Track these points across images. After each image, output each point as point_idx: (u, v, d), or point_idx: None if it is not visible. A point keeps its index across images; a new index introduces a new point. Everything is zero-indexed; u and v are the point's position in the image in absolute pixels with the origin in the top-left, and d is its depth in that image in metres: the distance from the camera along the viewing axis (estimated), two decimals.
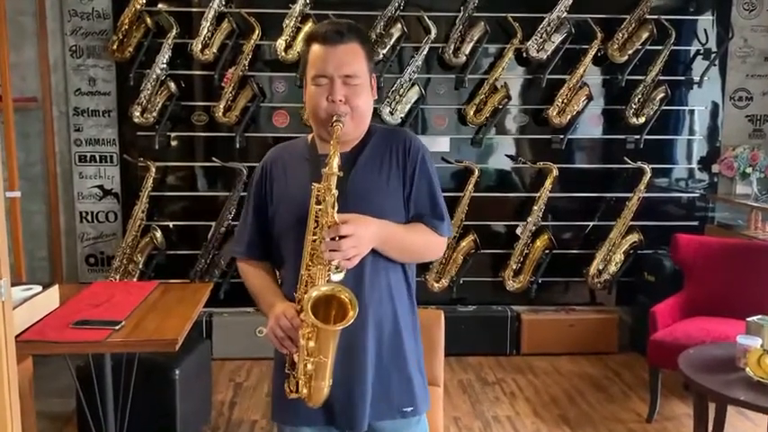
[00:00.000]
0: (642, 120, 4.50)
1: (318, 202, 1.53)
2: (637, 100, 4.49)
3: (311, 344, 1.50)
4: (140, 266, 4.37)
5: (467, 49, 4.40)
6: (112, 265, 4.39)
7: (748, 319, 2.98)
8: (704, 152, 4.74)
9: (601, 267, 4.56)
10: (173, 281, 3.63)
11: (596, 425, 3.55)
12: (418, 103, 4.44)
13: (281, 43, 4.28)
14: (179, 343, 2.29)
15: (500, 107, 4.45)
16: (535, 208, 4.49)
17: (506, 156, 4.63)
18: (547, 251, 4.54)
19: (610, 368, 4.32)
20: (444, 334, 2.60)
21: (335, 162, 1.52)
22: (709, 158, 4.73)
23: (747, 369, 2.69)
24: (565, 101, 4.44)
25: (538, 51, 4.42)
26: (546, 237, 4.53)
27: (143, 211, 4.33)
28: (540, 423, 3.58)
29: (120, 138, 4.45)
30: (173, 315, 2.51)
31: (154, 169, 4.33)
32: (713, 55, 4.60)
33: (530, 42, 4.40)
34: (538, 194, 4.49)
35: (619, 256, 4.54)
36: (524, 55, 4.45)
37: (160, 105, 4.32)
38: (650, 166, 4.48)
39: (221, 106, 4.33)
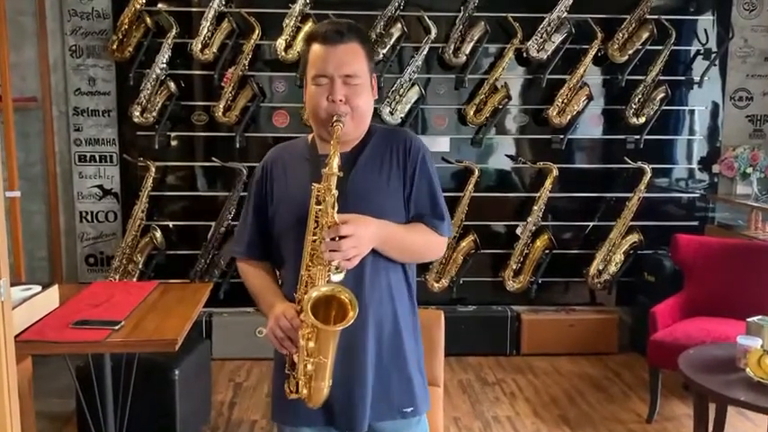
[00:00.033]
0: (642, 120, 4.50)
1: (318, 203, 1.52)
2: (637, 100, 4.48)
3: (311, 344, 1.50)
4: (140, 266, 4.37)
5: (467, 48, 4.39)
6: (112, 265, 4.38)
7: (748, 319, 2.97)
8: (704, 152, 4.74)
9: (601, 267, 4.56)
10: (172, 281, 3.63)
11: (596, 425, 3.55)
12: (418, 103, 4.44)
13: (280, 43, 4.28)
14: (179, 343, 2.29)
15: (500, 107, 4.45)
16: (535, 208, 4.49)
17: (506, 156, 4.63)
18: (547, 251, 4.54)
19: (610, 368, 4.32)
20: (444, 334, 2.59)
21: (335, 162, 1.52)
22: (710, 158, 4.73)
23: (747, 369, 2.69)
24: (565, 101, 4.44)
25: (538, 51, 4.41)
26: (546, 237, 4.52)
27: (143, 211, 4.33)
28: (540, 423, 3.58)
29: (119, 137, 4.45)
30: (172, 315, 2.50)
31: (154, 169, 4.33)
32: (713, 55, 4.60)
33: (530, 42, 4.40)
34: (538, 194, 4.49)
35: (619, 257, 4.54)
36: (524, 55, 4.45)
37: (160, 105, 4.32)
38: (650, 166, 4.48)
39: (221, 106, 4.32)
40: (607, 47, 4.43)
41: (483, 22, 4.35)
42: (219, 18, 4.30)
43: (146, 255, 4.38)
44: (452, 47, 4.39)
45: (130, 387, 2.79)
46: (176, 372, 3.01)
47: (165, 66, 4.29)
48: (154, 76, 4.27)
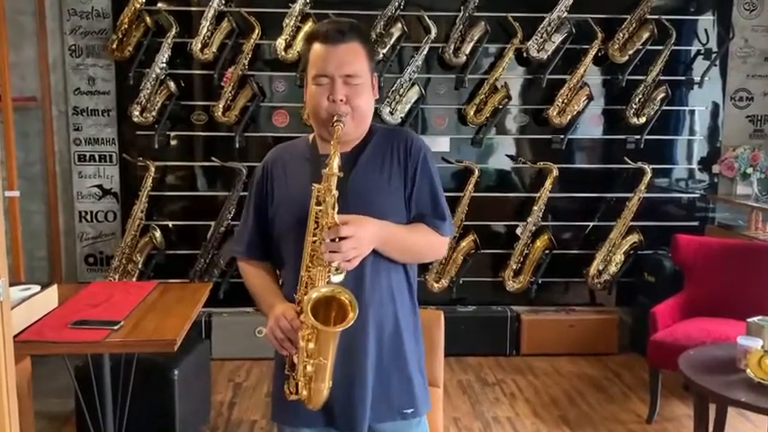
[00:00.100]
0: (643, 120, 4.50)
1: (318, 203, 1.52)
2: (637, 100, 4.48)
3: (311, 345, 1.49)
4: (139, 266, 4.36)
5: (467, 48, 4.39)
6: (111, 265, 4.38)
7: (749, 319, 2.97)
8: (705, 152, 4.74)
9: (601, 268, 4.56)
10: (172, 281, 3.62)
11: (596, 426, 3.55)
12: (418, 103, 4.43)
13: (280, 43, 4.28)
14: (178, 343, 2.28)
15: (500, 107, 4.45)
16: (535, 208, 4.49)
17: (506, 156, 4.63)
18: (547, 251, 4.53)
19: (610, 369, 4.32)
20: (444, 334, 2.59)
21: (336, 162, 1.51)
22: (710, 159, 4.73)
23: (748, 370, 2.68)
24: (565, 101, 4.44)
25: (538, 51, 4.41)
26: (546, 237, 4.52)
27: (142, 211, 4.32)
28: (539, 424, 3.57)
29: (119, 137, 4.45)
30: (172, 315, 2.50)
31: (153, 169, 4.32)
32: (714, 55, 4.60)
33: (530, 42, 4.39)
34: (538, 194, 4.49)
35: (619, 257, 4.54)
36: (525, 55, 4.45)
37: (159, 105, 4.31)
38: (650, 166, 4.48)
39: (221, 106, 4.32)
40: (607, 47, 4.43)
41: (483, 22, 4.35)
42: (219, 17, 4.30)
43: (145, 254, 4.38)
44: (452, 47, 4.39)
45: (129, 387, 2.78)
46: (176, 372, 3.01)
47: (164, 65, 4.28)
48: (153, 75, 4.27)
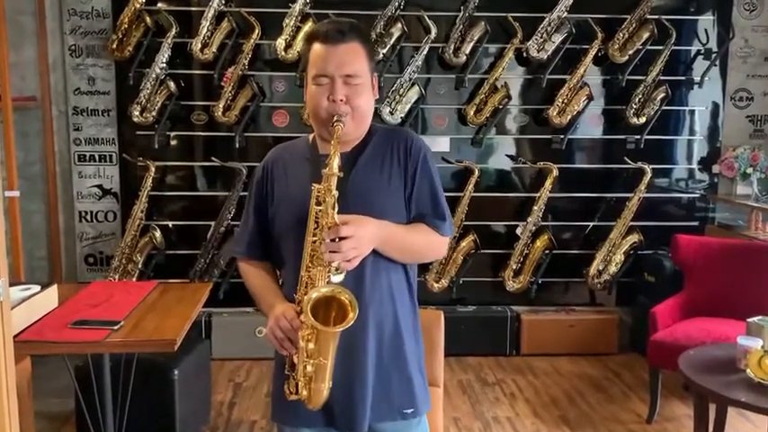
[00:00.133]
0: (643, 120, 4.50)
1: (318, 203, 1.52)
2: (637, 100, 4.48)
3: (311, 345, 1.49)
4: (139, 266, 4.36)
5: (467, 48, 4.39)
6: (111, 265, 4.38)
7: (749, 319, 2.97)
8: (705, 152, 4.74)
9: (601, 268, 4.56)
10: (172, 281, 3.62)
11: (596, 426, 3.55)
12: (418, 103, 4.43)
13: (280, 42, 4.28)
14: (178, 343, 2.28)
15: (500, 107, 4.45)
16: (535, 208, 4.49)
17: (506, 156, 4.63)
18: (547, 251, 4.53)
19: (610, 369, 4.32)
20: (444, 334, 2.59)
21: (336, 163, 1.51)
22: (710, 159, 4.73)
23: (748, 370, 2.68)
24: (565, 101, 4.44)
25: (538, 51, 4.41)
26: (546, 237, 4.52)
27: (142, 211, 4.32)
28: (539, 424, 3.57)
29: (119, 137, 4.45)
30: (172, 315, 2.50)
31: (153, 169, 4.32)
32: (714, 55, 4.60)
33: (530, 42, 4.39)
34: (538, 194, 4.49)
35: (619, 257, 4.54)
36: (525, 55, 4.45)
37: (159, 105, 4.31)
38: (650, 166, 4.48)
39: (221, 106, 4.32)
40: (607, 47, 4.43)
41: (483, 22, 4.35)
42: (219, 17, 4.30)
43: (145, 254, 4.38)
44: (452, 47, 4.38)
45: (130, 387, 2.78)
46: (176, 372, 3.01)
47: (164, 65, 4.28)
48: (153, 75, 4.27)
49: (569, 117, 4.44)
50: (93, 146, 4.44)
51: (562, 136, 4.53)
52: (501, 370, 4.31)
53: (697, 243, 3.94)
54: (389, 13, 4.31)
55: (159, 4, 4.34)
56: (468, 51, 4.39)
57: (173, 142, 4.50)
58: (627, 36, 4.43)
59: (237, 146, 4.41)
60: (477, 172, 4.46)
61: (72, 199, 4.47)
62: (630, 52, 4.43)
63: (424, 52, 4.36)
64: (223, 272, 4.45)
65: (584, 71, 4.43)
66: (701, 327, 3.52)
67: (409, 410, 1.69)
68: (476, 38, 4.38)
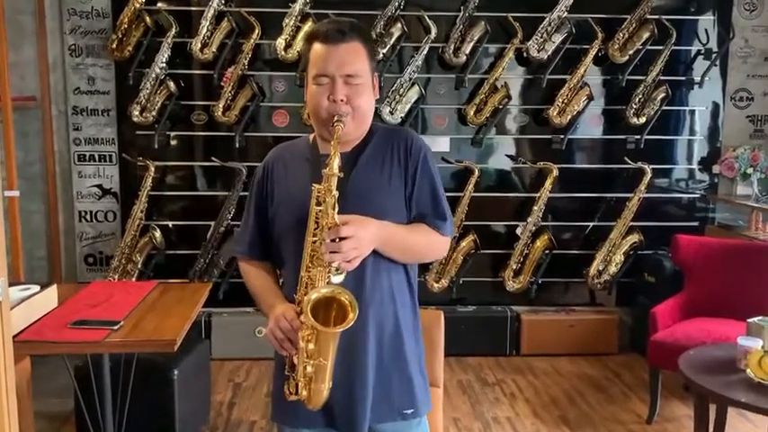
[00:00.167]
0: (643, 120, 4.50)
1: (319, 203, 1.51)
2: (637, 100, 4.48)
3: (311, 346, 1.49)
4: (139, 266, 4.36)
5: (467, 48, 4.39)
6: (111, 265, 4.38)
7: (749, 320, 2.97)
8: (705, 153, 4.73)
9: (601, 268, 4.56)
10: (172, 281, 3.62)
11: (596, 426, 3.55)
12: (418, 103, 4.43)
13: (280, 42, 4.27)
14: (178, 343, 2.28)
15: (500, 107, 4.45)
16: (535, 208, 4.49)
17: (506, 156, 4.63)
18: (547, 251, 4.53)
19: (610, 369, 4.31)
20: (444, 334, 2.59)
21: (336, 163, 1.51)
22: (710, 159, 4.72)
23: (748, 370, 2.68)
24: (565, 101, 4.44)
25: (538, 51, 4.41)
26: (546, 237, 4.52)
27: (142, 211, 4.32)
28: (539, 424, 3.57)
29: (119, 137, 4.45)
30: (171, 315, 2.50)
31: (153, 169, 4.32)
32: (714, 55, 4.60)
33: (530, 42, 4.39)
34: (538, 195, 4.49)
35: (619, 257, 4.54)
36: (525, 55, 4.45)
37: (159, 104, 4.31)
38: (651, 166, 4.48)
39: (221, 105, 4.32)
40: (607, 47, 4.43)
41: (483, 22, 4.35)
42: (219, 17, 4.29)
43: (145, 254, 4.37)
44: (452, 47, 4.38)
45: (129, 387, 2.78)
46: (175, 372, 3.00)
47: (164, 65, 4.28)
48: (153, 75, 4.26)
49: (569, 117, 4.44)
50: (92, 146, 4.44)
51: (562, 136, 4.53)
52: (501, 370, 4.31)
53: (697, 243, 3.94)
54: (389, 13, 4.31)
55: (159, 4, 4.34)
56: (468, 51, 4.39)
57: (172, 142, 4.50)
58: (627, 36, 4.42)
59: (237, 146, 4.40)
60: (477, 172, 4.46)
61: (72, 199, 4.47)
62: (630, 52, 4.43)
63: (424, 52, 4.36)
64: (223, 272, 4.45)
65: (585, 71, 4.43)
66: (701, 327, 3.52)
67: (409, 411, 1.69)
68: (476, 38, 4.38)
